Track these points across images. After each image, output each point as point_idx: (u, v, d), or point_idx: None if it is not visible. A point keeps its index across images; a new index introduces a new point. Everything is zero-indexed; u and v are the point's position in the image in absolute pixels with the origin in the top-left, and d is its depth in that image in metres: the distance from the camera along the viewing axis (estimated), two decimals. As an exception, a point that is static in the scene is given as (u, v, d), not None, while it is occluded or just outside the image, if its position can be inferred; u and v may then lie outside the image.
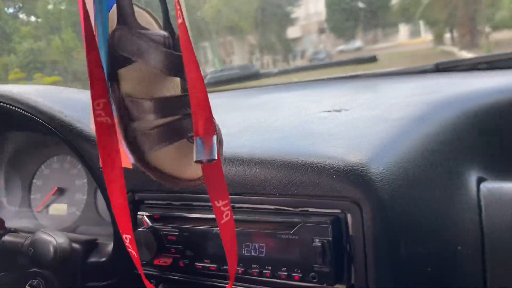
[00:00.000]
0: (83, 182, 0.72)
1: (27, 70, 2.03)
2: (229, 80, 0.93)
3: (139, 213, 0.50)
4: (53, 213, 0.74)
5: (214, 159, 0.30)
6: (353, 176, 0.38)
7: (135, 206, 0.51)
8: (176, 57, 0.31)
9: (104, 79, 0.30)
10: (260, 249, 0.43)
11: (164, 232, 0.47)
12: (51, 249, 0.47)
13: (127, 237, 0.34)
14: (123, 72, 0.33)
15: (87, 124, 0.53)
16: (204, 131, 0.30)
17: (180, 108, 0.32)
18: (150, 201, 0.50)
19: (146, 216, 0.49)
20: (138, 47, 0.31)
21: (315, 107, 0.58)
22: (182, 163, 0.33)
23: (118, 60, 0.33)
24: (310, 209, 0.41)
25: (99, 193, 0.70)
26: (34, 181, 0.76)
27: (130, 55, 0.31)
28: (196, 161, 0.30)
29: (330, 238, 0.39)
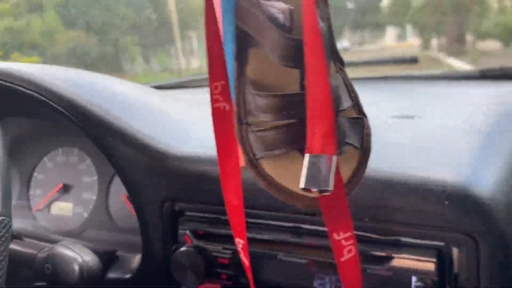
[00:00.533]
0: (93, 179, 0.63)
1: (5, 49, 1.90)
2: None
3: (180, 227, 0.42)
4: (55, 213, 0.65)
5: (328, 191, 0.22)
6: (471, 204, 0.31)
7: (174, 218, 0.43)
8: (296, 42, 0.23)
9: (224, 58, 0.23)
10: (338, 284, 0.35)
11: (213, 254, 0.40)
12: (77, 268, 0.38)
13: (239, 242, 0.29)
14: (251, 53, 0.26)
15: (118, 116, 0.45)
16: (321, 148, 0.22)
17: (300, 109, 0.24)
18: (193, 213, 0.42)
19: (190, 231, 0.41)
20: (256, 24, 0.23)
21: (377, 111, 0.51)
22: (298, 174, 0.26)
23: (243, 38, 0.25)
24: (403, 239, 0.34)
25: (111, 194, 0.62)
26: (35, 174, 0.67)
27: (253, 33, 0.24)
28: (303, 189, 0.23)
29: (436, 278, 0.32)
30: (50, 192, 0.64)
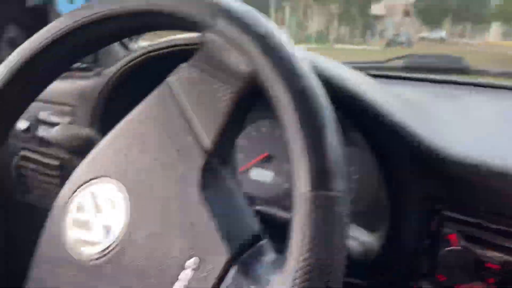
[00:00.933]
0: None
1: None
2: (432, 69, 0.85)
3: (445, 227, 0.45)
4: (256, 178, 0.70)
5: None
6: None
7: (430, 215, 0.46)
8: None
9: None
10: None
11: (482, 257, 0.42)
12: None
13: None
14: None
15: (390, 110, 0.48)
16: None
17: None
18: (456, 215, 0.45)
19: (458, 232, 0.44)
20: None
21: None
22: None
23: None
24: None
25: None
26: (239, 140, 0.72)
27: None
28: None
29: None
30: (253, 159, 0.70)
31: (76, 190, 0.39)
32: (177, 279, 0.33)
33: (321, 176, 0.29)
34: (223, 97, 0.35)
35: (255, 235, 0.34)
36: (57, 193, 0.74)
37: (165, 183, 0.36)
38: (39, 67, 0.42)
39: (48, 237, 0.40)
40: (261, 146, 0.70)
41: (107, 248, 0.36)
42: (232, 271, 0.32)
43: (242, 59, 0.34)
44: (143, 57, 0.63)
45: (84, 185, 0.39)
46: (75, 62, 0.46)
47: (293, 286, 0.28)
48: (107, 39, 0.44)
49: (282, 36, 0.34)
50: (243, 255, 0.33)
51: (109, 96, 0.68)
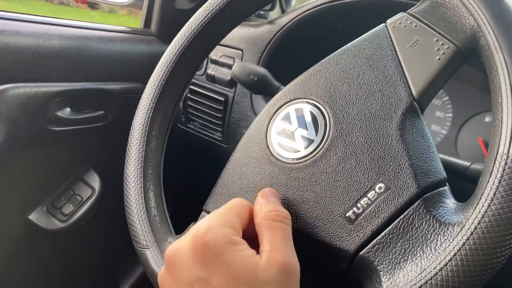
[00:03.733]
0: (447, 116, 0.71)
1: None
2: None
3: None
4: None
5: None
6: None
7: None
8: None
9: None
10: None
11: None
12: None
13: None
14: None
15: None
16: None
17: None
18: None
19: None
20: None
21: None
22: None
23: None
24: None
25: (463, 132, 0.69)
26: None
27: None
28: None
29: None
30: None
31: (284, 104, 0.45)
32: (365, 194, 0.37)
33: None
34: (440, 50, 0.38)
35: (441, 179, 0.37)
36: (217, 123, 0.85)
37: (367, 116, 0.40)
38: (224, 16, 0.49)
39: (252, 139, 0.46)
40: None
41: (306, 156, 0.41)
42: (415, 205, 0.36)
43: (466, 14, 0.37)
44: (317, 8, 0.69)
45: (292, 101, 0.45)
46: (253, 13, 0.53)
47: (473, 233, 0.30)
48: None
49: None
50: (427, 194, 0.36)
51: (278, 43, 0.75)
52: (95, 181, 0.87)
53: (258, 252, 0.33)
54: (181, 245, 0.33)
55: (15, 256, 0.83)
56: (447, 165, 0.55)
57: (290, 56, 0.77)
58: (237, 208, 0.35)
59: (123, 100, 0.88)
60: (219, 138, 0.84)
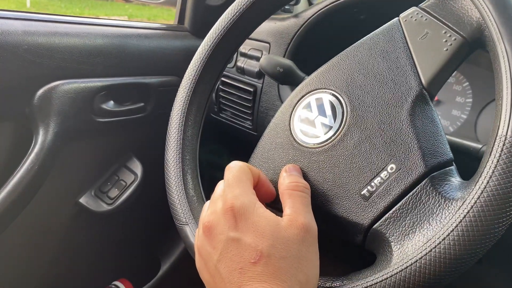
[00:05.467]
0: (467, 101, 0.73)
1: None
2: None
3: None
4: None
5: None
6: None
7: None
8: None
9: None
10: None
11: None
12: None
13: None
14: None
15: None
16: None
17: None
18: None
19: None
20: None
21: None
22: None
23: None
24: None
25: (482, 116, 0.71)
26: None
27: None
28: None
29: None
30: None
31: (305, 95, 0.50)
32: (378, 174, 0.42)
33: None
34: (448, 42, 0.42)
35: (447, 159, 0.41)
36: (247, 112, 0.90)
37: (380, 104, 0.44)
38: (252, 12, 0.54)
39: (277, 126, 0.51)
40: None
41: (325, 141, 0.46)
42: (422, 183, 0.40)
43: (472, 8, 0.40)
44: (340, 1, 0.73)
45: (313, 92, 0.49)
46: (279, 9, 0.58)
47: (473, 206, 0.34)
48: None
49: None
50: (434, 173, 0.40)
51: (302, 36, 0.80)
52: (137, 168, 0.95)
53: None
54: (214, 214, 0.39)
55: (67, 235, 0.92)
56: (461, 148, 0.58)
57: (314, 48, 0.81)
58: (248, 175, 0.41)
59: (161, 92, 0.94)
60: (249, 126, 0.90)
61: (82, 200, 0.91)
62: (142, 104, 0.93)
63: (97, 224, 0.96)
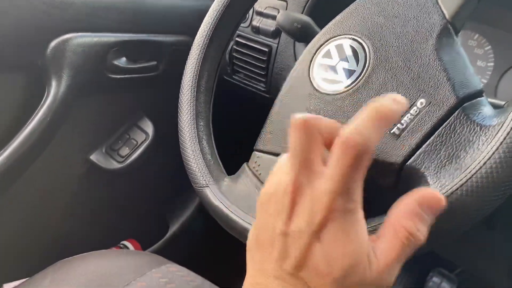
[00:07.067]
0: (488, 64, 0.71)
1: None
2: None
3: None
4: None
5: None
6: None
7: None
8: None
9: None
10: None
11: None
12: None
13: None
14: None
15: None
16: None
17: None
18: None
19: None
20: None
21: None
22: None
23: None
24: None
25: (503, 80, 0.69)
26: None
27: None
28: None
29: None
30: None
31: (324, 43, 0.49)
32: (407, 111, 0.40)
33: None
34: None
35: (478, 90, 0.41)
36: (261, 73, 0.89)
37: (404, 42, 0.43)
38: None
39: (296, 78, 0.50)
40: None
41: (349, 86, 0.45)
42: (455, 113, 0.39)
43: None
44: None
45: (332, 39, 0.48)
46: None
47: (508, 132, 0.33)
48: None
49: None
50: (466, 103, 0.39)
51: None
52: (149, 127, 0.94)
53: None
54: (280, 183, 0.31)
55: (78, 191, 0.92)
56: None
57: (333, 5, 0.79)
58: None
59: (174, 51, 0.93)
60: (263, 89, 0.88)
61: (92, 157, 0.91)
62: (154, 62, 0.92)
63: (107, 182, 0.96)
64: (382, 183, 0.43)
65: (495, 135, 0.34)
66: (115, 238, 1.05)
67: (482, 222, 0.61)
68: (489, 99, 0.54)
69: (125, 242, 1.05)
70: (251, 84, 0.91)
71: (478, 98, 0.40)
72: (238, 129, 1.01)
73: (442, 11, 0.42)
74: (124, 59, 0.88)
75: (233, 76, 0.95)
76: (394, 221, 0.30)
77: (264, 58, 0.85)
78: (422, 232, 0.29)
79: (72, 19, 0.78)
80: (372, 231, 0.36)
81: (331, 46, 0.48)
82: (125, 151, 0.93)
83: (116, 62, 0.86)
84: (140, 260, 0.68)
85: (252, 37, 0.87)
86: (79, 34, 0.79)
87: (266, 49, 0.85)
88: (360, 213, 0.30)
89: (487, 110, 0.39)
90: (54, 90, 0.78)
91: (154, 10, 0.88)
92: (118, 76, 0.87)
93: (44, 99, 0.78)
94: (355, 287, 0.28)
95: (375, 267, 0.29)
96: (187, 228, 1.12)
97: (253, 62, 0.88)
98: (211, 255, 1.17)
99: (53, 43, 0.77)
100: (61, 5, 0.76)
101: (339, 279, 0.28)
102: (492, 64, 0.71)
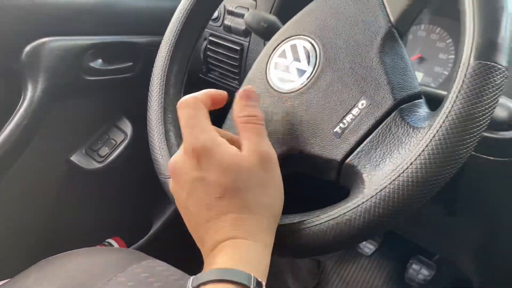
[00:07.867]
0: (448, 57, 0.74)
1: None
2: None
3: None
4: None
5: None
6: None
7: None
8: None
9: None
10: None
11: None
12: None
13: None
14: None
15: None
16: None
17: None
18: None
19: None
20: None
21: None
22: None
23: None
24: None
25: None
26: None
27: None
28: None
29: None
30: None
31: (280, 43, 0.51)
32: (349, 112, 0.43)
33: (488, 49, 0.34)
34: None
35: (416, 92, 0.43)
36: (234, 71, 0.91)
37: (352, 44, 0.45)
38: None
39: (254, 76, 0.52)
40: (415, 49, 0.78)
41: (300, 85, 0.47)
42: (392, 115, 0.41)
43: None
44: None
45: (287, 39, 0.51)
46: None
47: (438, 130, 0.35)
48: None
49: None
50: (403, 105, 0.41)
51: (288, -8, 0.80)
52: (127, 127, 0.96)
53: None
54: (178, 156, 0.40)
55: (60, 192, 0.94)
56: (437, 98, 0.60)
57: (299, 4, 0.81)
58: (202, 110, 0.40)
59: (149, 52, 0.95)
60: (236, 86, 0.90)
61: (73, 158, 0.93)
62: (130, 63, 0.94)
63: (88, 182, 0.98)
64: (325, 178, 0.45)
65: (423, 137, 0.36)
66: (100, 237, 1.07)
67: (443, 208, 0.64)
68: (443, 91, 0.57)
69: (110, 240, 1.07)
70: (226, 81, 0.93)
71: (415, 101, 0.42)
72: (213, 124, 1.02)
73: (388, 15, 0.44)
74: (100, 61, 0.90)
75: (208, 74, 0.97)
76: (236, 119, 0.42)
77: (237, 57, 0.87)
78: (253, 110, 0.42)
79: (45, 24, 0.79)
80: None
81: (286, 46, 0.50)
82: (104, 151, 0.95)
83: (92, 64, 0.88)
84: (121, 257, 0.70)
85: (225, 36, 0.89)
86: (54, 38, 0.81)
87: (238, 48, 0.87)
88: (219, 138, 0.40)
89: (422, 112, 0.41)
90: (30, 94, 0.79)
91: (127, 12, 0.90)
92: (95, 78, 0.89)
93: (20, 103, 0.79)
94: (237, 171, 0.37)
95: (244, 153, 0.39)
96: (170, 225, 1.14)
97: (226, 60, 0.90)
98: (195, 249, 1.19)
99: (27, 48, 0.78)
100: (34, 10, 0.77)
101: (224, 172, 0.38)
102: (453, 56, 0.73)
